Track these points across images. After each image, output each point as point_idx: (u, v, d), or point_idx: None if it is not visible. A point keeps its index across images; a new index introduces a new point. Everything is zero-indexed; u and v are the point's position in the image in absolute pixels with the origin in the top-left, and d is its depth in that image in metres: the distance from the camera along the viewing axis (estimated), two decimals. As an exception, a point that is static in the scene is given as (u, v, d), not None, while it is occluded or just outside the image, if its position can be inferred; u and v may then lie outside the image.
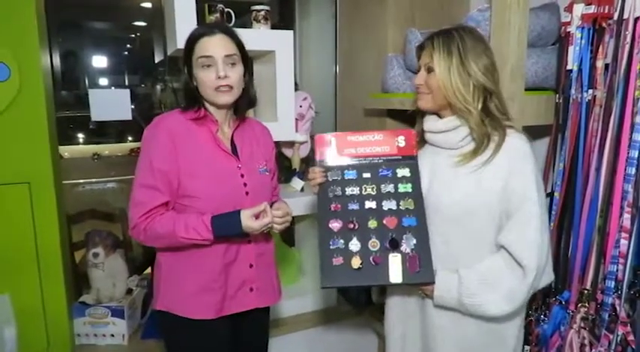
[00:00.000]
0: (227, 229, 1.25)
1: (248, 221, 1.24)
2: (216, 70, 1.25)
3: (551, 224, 1.57)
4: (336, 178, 1.23)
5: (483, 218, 1.17)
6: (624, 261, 1.35)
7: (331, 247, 1.17)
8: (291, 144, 2.24)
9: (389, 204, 1.19)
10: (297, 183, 2.24)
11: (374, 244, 1.16)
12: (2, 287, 1.76)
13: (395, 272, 1.13)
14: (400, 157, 1.23)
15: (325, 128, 2.98)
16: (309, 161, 2.78)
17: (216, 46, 1.26)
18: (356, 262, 1.14)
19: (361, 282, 1.17)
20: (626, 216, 1.35)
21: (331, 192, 1.22)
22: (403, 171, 1.22)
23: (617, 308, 1.35)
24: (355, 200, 1.21)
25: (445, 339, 1.23)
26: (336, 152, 1.25)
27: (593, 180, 1.44)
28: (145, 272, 2.44)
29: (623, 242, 1.35)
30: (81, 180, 4.62)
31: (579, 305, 1.46)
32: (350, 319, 2.25)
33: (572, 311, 1.48)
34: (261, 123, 1.52)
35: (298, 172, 2.28)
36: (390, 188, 1.21)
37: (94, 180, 4.70)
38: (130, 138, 5.16)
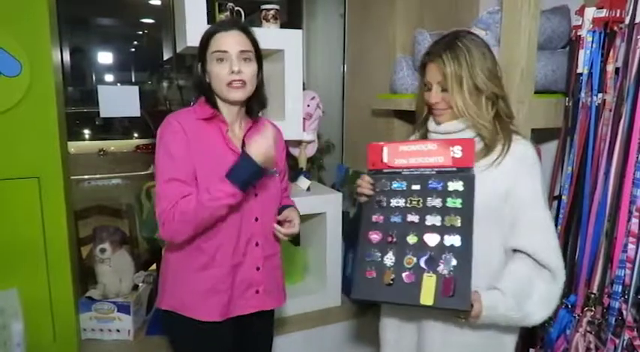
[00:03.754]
0: (242, 171, 1.19)
1: (256, 151, 1.19)
2: (230, 65, 1.25)
3: (559, 227, 1.57)
4: (383, 189, 1.19)
5: (489, 220, 1.16)
6: (632, 266, 1.35)
7: (367, 259, 1.13)
8: (298, 143, 2.25)
9: (432, 219, 1.12)
10: (303, 182, 2.24)
11: (409, 261, 1.10)
12: (11, 280, 1.77)
13: (427, 293, 1.05)
14: (455, 169, 1.14)
15: (331, 128, 2.98)
16: (315, 160, 2.79)
17: (231, 41, 1.26)
18: (388, 277, 1.10)
19: (389, 298, 1.11)
20: (634, 221, 1.35)
21: (376, 203, 1.18)
22: (455, 185, 1.13)
23: (624, 313, 1.35)
24: (398, 212, 1.16)
25: (444, 346, 1.22)
26: (388, 161, 1.20)
27: (602, 184, 1.44)
28: (151, 268, 2.45)
29: (631, 246, 1.35)
30: (86, 176, 4.64)
31: (585, 309, 1.46)
32: (354, 319, 2.25)
33: (579, 315, 1.48)
34: (272, 123, 1.52)
35: (304, 171, 2.29)
36: (437, 202, 1.13)
37: (99, 176, 4.72)
38: (135, 135, 5.17)
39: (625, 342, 1.34)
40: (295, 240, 2.53)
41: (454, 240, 1.08)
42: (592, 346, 1.43)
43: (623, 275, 1.36)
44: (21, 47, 1.69)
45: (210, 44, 1.27)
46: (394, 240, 1.13)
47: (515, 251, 1.17)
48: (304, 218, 2.38)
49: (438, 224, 1.11)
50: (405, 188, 1.17)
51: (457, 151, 1.14)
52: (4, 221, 1.75)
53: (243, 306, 1.36)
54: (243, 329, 1.41)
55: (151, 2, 5.98)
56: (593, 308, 1.44)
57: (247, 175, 1.20)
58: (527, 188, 1.15)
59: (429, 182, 1.15)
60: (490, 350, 1.22)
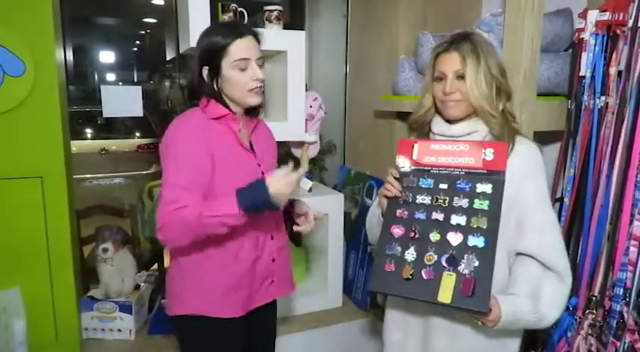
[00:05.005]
0: (252, 194, 1.17)
1: (275, 182, 1.17)
2: (253, 72, 1.26)
3: (560, 230, 1.57)
4: (410, 185, 1.18)
5: None
6: (633, 269, 1.35)
7: (387, 252, 1.13)
8: (300, 144, 2.25)
9: (458, 219, 1.11)
10: (305, 183, 2.24)
11: (430, 258, 1.09)
12: (13, 279, 1.78)
13: (445, 291, 1.04)
14: (485, 171, 1.13)
15: (333, 129, 2.98)
16: (316, 161, 2.79)
17: (250, 47, 1.27)
18: (406, 272, 1.09)
19: (406, 293, 1.09)
20: (637, 224, 1.35)
21: (401, 198, 1.18)
22: (484, 187, 1.12)
23: (625, 316, 1.35)
24: (423, 209, 1.15)
25: (449, 350, 1.22)
26: (417, 158, 1.19)
27: (604, 187, 1.44)
28: (153, 268, 2.46)
29: (633, 249, 1.35)
30: (88, 175, 4.65)
31: (587, 311, 1.46)
32: (355, 320, 2.26)
33: (580, 318, 1.48)
34: (263, 121, 1.53)
35: (307, 172, 2.29)
36: (463, 202, 1.12)
37: (101, 175, 4.72)
38: (137, 134, 5.18)
39: (626, 345, 1.34)
40: (296, 240, 2.53)
41: (478, 241, 1.07)
42: (593, 349, 1.43)
43: (624, 278, 1.36)
44: (25, 47, 1.70)
45: (229, 52, 1.25)
46: (416, 235, 1.13)
47: (519, 254, 1.17)
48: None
49: (463, 224, 1.10)
50: (432, 186, 1.17)
51: (489, 154, 1.13)
52: (7, 220, 1.76)
53: (260, 298, 1.40)
54: (252, 320, 1.43)
55: (153, 2, 5.98)
56: (594, 311, 1.44)
57: (254, 200, 1.17)
58: (534, 190, 1.15)
59: (457, 182, 1.15)
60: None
